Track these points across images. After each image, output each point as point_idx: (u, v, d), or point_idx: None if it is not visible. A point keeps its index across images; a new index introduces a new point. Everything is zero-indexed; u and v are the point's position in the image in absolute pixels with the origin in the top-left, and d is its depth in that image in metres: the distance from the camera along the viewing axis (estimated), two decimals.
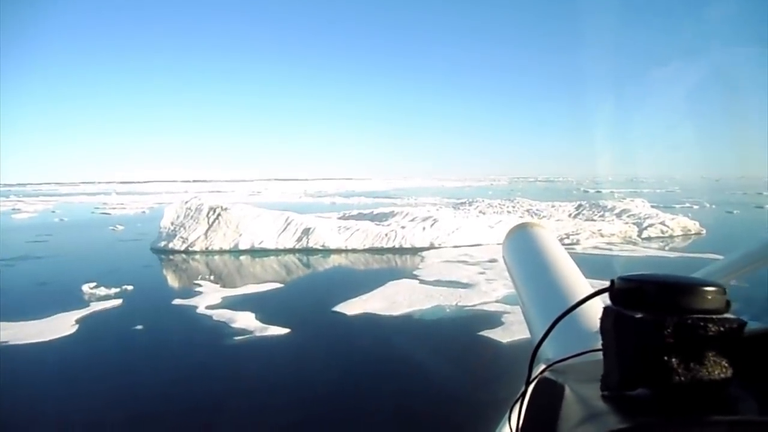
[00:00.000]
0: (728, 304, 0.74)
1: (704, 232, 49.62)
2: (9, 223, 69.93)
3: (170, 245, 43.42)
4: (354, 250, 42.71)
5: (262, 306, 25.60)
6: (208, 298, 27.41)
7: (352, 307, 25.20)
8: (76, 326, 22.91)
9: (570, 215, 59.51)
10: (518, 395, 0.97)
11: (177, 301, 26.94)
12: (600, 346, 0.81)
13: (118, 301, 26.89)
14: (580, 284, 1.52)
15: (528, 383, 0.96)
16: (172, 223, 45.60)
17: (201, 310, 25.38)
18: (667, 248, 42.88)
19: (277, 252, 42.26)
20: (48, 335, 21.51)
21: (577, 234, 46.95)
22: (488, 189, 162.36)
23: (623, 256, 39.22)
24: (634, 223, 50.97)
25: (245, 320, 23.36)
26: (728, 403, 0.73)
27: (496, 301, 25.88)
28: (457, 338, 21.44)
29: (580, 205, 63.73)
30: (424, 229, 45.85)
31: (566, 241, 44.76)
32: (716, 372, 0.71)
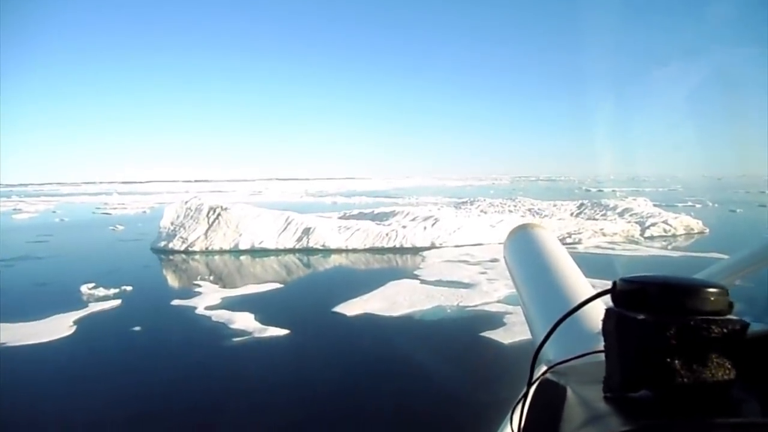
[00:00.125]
0: (731, 305, 0.74)
1: (707, 231, 49.32)
2: (9, 224, 69.83)
3: (170, 245, 43.24)
4: (354, 250, 42.49)
5: (262, 306, 25.38)
6: (207, 299, 27.21)
7: (352, 308, 24.97)
8: (74, 327, 22.71)
9: (572, 214, 59.26)
10: (520, 397, 0.96)
11: (176, 302, 26.73)
12: (602, 348, 0.81)
13: (116, 302, 26.69)
14: (581, 285, 1.52)
15: (530, 385, 0.95)
16: (172, 223, 45.43)
17: (200, 310, 25.17)
18: (670, 247, 42.58)
19: (277, 252, 42.05)
20: (45, 336, 21.31)
21: (579, 233, 46.69)
22: (490, 188, 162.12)
23: (626, 255, 38.93)
24: (636, 222, 50.70)
25: (244, 321, 23.14)
26: (731, 405, 0.72)
27: (498, 302, 25.63)
28: (458, 339, 21.19)
29: (582, 204, 63.47)
30: (425, 228, 45.61)
31: (568, 240, 44.53)
32: (719, 374, 0.71)
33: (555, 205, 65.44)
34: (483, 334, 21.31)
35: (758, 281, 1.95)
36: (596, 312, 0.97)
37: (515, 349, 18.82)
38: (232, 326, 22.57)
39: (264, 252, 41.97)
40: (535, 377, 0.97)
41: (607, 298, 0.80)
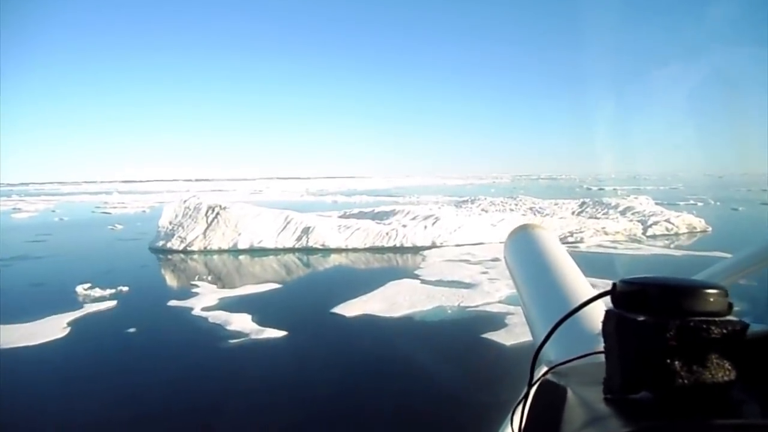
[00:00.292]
0: (730, 306, 0.74)
1: (710, 229, 48.97)
2: (8, 223, 69.57)
3: (168, 245, 42.90)
4: (354, 250, 42.12)
5: (259, 307, 24.99)
6: (204, 299, 26.81)
7: (351, 309, 24.58)
8: (68, 329, 22.28)
9: (573, 213, 58.88)
10: (520, 398, 0.97)
11: (172, 303, 26.32)
12: (602, 349, 0.81)
13: (112, 303, 26.27)
14: (581, 287, 1.51)
15: (530, 386, 0.96)
16: (171, 223, 45.10)
17: (196, 311, 24.75)
18: (672, 246, 42.16)
19: (276, 251, 41.69)
20: (39, 338, 20.89)
21: (581, 232, 46.29)
22: (490, 187, 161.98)
23: (628, 254, 38.54)
24: (638, 221, 50.31)
25: (241, 322, 22.74)
26: (731, 406, 0.73)
27: (499, 302, 25.24)
28: (459, 340, 20.80)
29: (583, 203, 63.07)
30: (425, 227, 45.24)
31: (570, 239, 44.17)
32: (719, 375, 0.71)
33: (556, 204, 65.04)
34: (484, 335, 20.91)
35: (759, 281, 1.94)
36: (596, 313, 0.97)
37: (517, 351, 18.44)
38: (229, 327, 22.17)
39: (263, 251, 41.61)
40: (535, 378, 0.97)
41: (608, 299, 0.80)
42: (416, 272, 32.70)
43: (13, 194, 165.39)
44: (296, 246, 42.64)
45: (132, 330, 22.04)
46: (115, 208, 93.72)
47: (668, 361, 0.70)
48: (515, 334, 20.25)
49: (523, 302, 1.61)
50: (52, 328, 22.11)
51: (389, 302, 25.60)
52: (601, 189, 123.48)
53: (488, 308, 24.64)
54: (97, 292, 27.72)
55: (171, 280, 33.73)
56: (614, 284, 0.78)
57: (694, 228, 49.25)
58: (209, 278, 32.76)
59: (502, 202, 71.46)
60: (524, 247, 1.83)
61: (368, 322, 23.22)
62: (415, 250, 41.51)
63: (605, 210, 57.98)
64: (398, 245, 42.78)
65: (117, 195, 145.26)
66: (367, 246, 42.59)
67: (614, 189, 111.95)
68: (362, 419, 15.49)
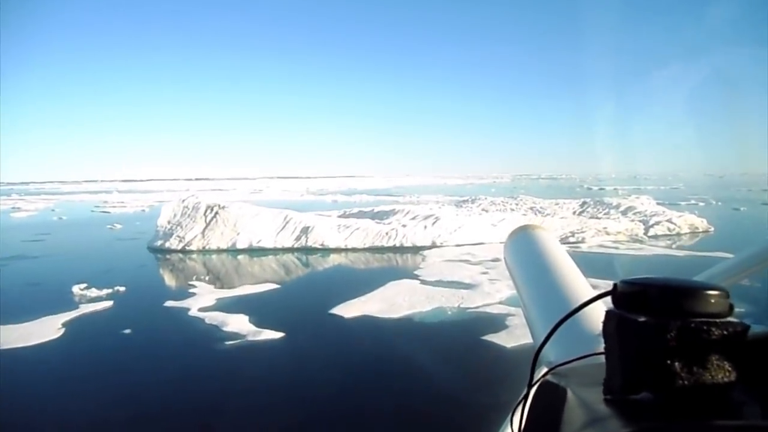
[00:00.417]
0: (731, 307, 0.74)
1: (712, 229, 48.69)
2: (7, 222, 69.32)
3: (167, 244, 42.63)
4: (354, 249, 41.83)
5: (257, 308, 24.70)
6: (201, 300, 26.52)
7: (350, 309, 24.28)
8: (62, 330, 21.99)
9: (574, 213, 58.55)
10: (520, 398, 0.97)
11: (169, 303, 26.01)
12: (602, 350, 0.81)
13: (108, 303, 25.98)
14: (582, 287, 1.51)
15: (530, 386, 0.96)
16: (169, 222, 44.83)
17: (193, 312, 24.45)
18: (674, 247, 41.87)
19: (275, 251, 41.41)
20: (33, 339, 20.61)
21: (582, 232, 45.97)
22: (491, 186, 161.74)
23: (630, 255, 38.24)
24: (640, 221, 50.00)
25: (238, 323, 22.44)
26: (731, 407, 0.73)
27: (500, 303, 24.94)
28: (458, 342, 20.49)
29: (584, 203, 62.74)
30: (425, 227, 44.94)
31: (571, 239, 43.89)
32: (719, 376, 0.71)
33: (557, 204, 64.72)
34: (484, 337, 20.60)
35: (760, 283, 1.94)
36: (597, 314, 0.99)
37: (517, 353, 18.15)
38: (226, 329, 21.87)
39: (262, 251, 41.33)
40: (535, 379, 0.97)
41: (608, 299, 0.80)
42: (416, 272, 32.42)
43: (13, 193, 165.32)
44: (295, 246, 42.36)
45: (127, 331, 21.75)
46: (114, 207, 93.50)
47: (669, 362, 0.70)
48: (516, 336, 19.96)
49: (523, 303, 1.61)
50: (47, 328, 21.83)
51: (388, 303, 25.31)
52: (601, 189, 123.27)
53: (488, 309, 24.34)
54: (94, 292, 27.45)
55: (168, 280, 33.44)
56: (615, 285, 0.78)
57: (696, 228, 48.96)
58: (207, 278, 32.49)
59: (502, 201, 71.12)
60: (524, 247, 1.83)
61: (367, 323, 22.93)
62: (415, 250, 41.22)
63: (606, 210, 57.67)
64: (398, 245, 42.49)
65: (117, 194, 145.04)
66: (367, 246, 42.29)
67: (615, 189, 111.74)
68: (361, 422, 15.20)
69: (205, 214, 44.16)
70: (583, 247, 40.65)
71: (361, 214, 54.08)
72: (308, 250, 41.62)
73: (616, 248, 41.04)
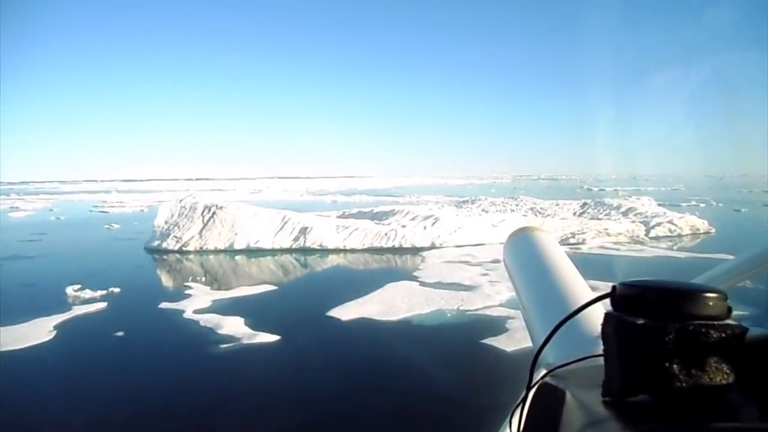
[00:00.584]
0: (729, 309, 0.75)
1: (713, 231, 48.36)
2: (5, 222, 68.85)
3: (164, 245, 42.24)
4: (352, 250, 41.44)
5: (253, 310, 24.28)
6: (197, 302, 26.10)
7: (347, 312, 23.87)
8: (54, 332, 21.53)
9: (575, 214, 58.19)
10: (519, 400, 0.97)
11: (164, 305, 25.56)
12: (601, 352, 0.82)
13: (102, 305, 25.54)
14: (581, 289, 1.52)
15: (529, 388, 0.96)
16: (166, 222, 44.44)
17: (188, 314, 24.02)
18: (676, 248, 41.52)
19: (273, 252, 41.02)
20: (22, 342, 20.14)
21: (583, 233, 45.58)
22: (491, 187, 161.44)
23: (631, 256, 37.87)
24: (641, 222, 49.64)
25: (233, 326, 22.02)
26: (730, 409, 0.73)
27: (500, 305, 24.54)
28: (458, 346, 20.08)
29: (585, 204, 62.38)
30: (425, 228, 44.56)
31: (572, 240, 43.52)
32: (718, 378, 0.72)
33: (557, 205, 64.36)
34: (484, 340, 20.19)
35: (759, 284, 1.95)
36: (596, 316, 1.01)
37: (518, 357, 17.74)
38: (220, 331, 21.44)
39: (259, 252, 40.94)
40: (534, 381, 0.97)
41: (607, 302, 0.80)
42: (415, 274, 32.03)
43: (12, 193, 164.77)
44: (293, 246, 41.98)
45: (120, 333, 21.31)
46: (113, 207, 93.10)
47: (667, 364, 0.70)
48: (516, 339, 19.56)
49: (523, 305, 1.60)
50: (38, 331, 21.40)
51: (387, 305, 24.92)
52: (601, 190, 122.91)
53: (488, 312, 23.96)
54: (88, 294, 27.03)
55: (164, 281, 33.05)
56: (614, 287, 0.78)
57: (698, 229, 48.62)
58: (204, 279, 32.09)
59: (502, 202, 70.77)
60: (524, 249, 1.82)
61: (365, 325, 22.53)
62: (415, 251, 40.83)
63: (607, 211, 57.32)
64: (397, 246, 42.11)
65: (116, 194, 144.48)
66: (366, 247, 41.91)
67: (615, 190, 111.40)
68: (358, 426, 14.87)
69: (202, 214, 43.78)
70: (584, 249, 40.32)
71: (360, 215, 53.70)
72: (306, 251, 41.23)
73: (617, 250, 40.70)
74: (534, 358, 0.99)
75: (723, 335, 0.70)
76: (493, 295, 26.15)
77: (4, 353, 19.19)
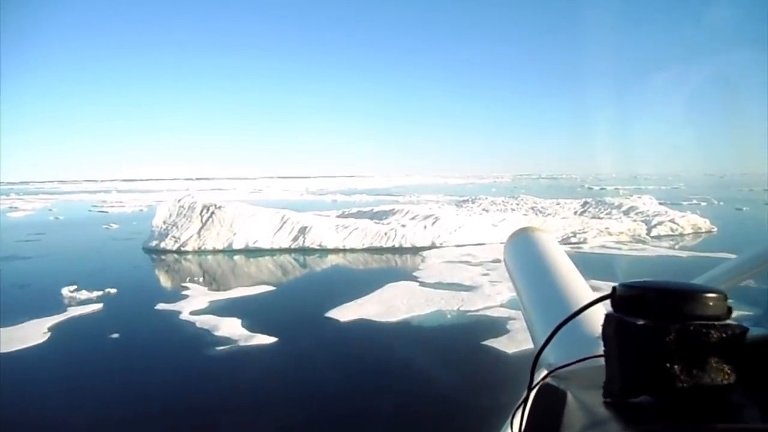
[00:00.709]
0: (730, 310, 0.75)
1: (715, 230, 48.08)
2: (3, 222, 68.58)
3: (162, 245, 41.92)
4: (352, 250, 41.11)
5: (251, 311, 23.94)
6: (194, 303, 25.76)
7: (346, 313, 23.54)
8: (48, 334, 21.18)
9: (576, 213, 57.86)
10: (520, 401, 0.98)
11: (161, 306, 25.20)
12: (602, 353, 0.82)
13: (98, 306, 25.19)
14: (582, 290, 1.52)
15: (530, 389, 0.96)
16: (165, 222, 44.13)
17: (184, 315, 23.67)
18: (677, 247, 41.21)
19: (272, 252, 40.70)
20: (15, 345, 19.74)
21: (584, 232, 45.25)
22: (491, 186, 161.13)
23: (632, 256, 37.56)
24: (642, 221, 49.33)
25: (230, 327, 21.67)
26: (730, 410, 0.74)
27: (501, 306, 24.20)
28: (458, 347, 19.74)
29: (585, 203, 62.05)
30: (425, 227, 44.23)
31: (573, 239, 43.21)
32: (718, 379, 0.72)
33: (558, 204, 64.04)
34: (485, 342, 19.84)
35: (760, 284, 1.92)
36: (596, 317, 1.00)
37: (519, 359, 17.42)
38: (217, 333, 21.10)
39: (258, 252, 40.63)
40: (535, 382, 0.97)
41: (607, 302, 0.80)
42: (415, 274, 31.70)
43: (12, 193, 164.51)
44: (292, 246, 41.67)
45: (114, 335, 20.97)
46: (112, 207, 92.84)
47: (668, 365, 0.70)
48: (517, 341, 19.23)
49: (523, 306, 1.60)
50: (32, 333, 21.03)
51: (386, 306, 24.60)
52: (602, 189, 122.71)
53: (489, 313, 23.63)
54: (84, 294, 26.71)
55: (162, 282, 32.70)
56: (614, 288, 0.79)
57: (699, 228, 48.31)
58: (201, 280, 31.76)
59: (503, 201, 70.46)
60: (524, 250, 1.82)
61: (364, 326, 22.20)
62: (414, 250, 40.50)
63: (608, 210, 57.01)
64: (397, 246, 41.79)
65: (116, 194, 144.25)
66: (365, 246, 41.59)
67: (616, 188, 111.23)
68: (356, 428, 14.58)
69: (201, 214, 43.47)
70: (585, 248, 40.00)
71: (359, 214, 53.39)
72: (305, 251, 40.91)
73: (619, 249, 40.39)
74: (535, 359, 0.98)
75: (723, 335, 0.70)
76: (494, 295, 25.82)
77: None
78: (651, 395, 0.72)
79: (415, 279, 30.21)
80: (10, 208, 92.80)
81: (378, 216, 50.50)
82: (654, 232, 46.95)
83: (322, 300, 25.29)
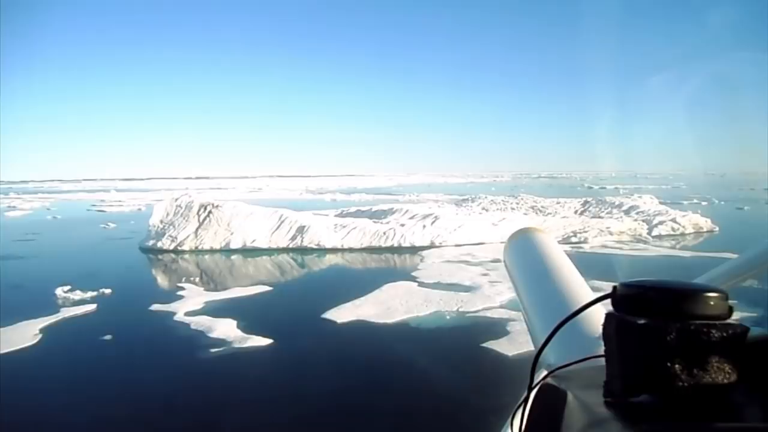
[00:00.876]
0: (731, 309, 0.75)
1: (717, 229, 47.70)
2: (1, 221, 68.07)
3: (158, 244, 41.50)
4: (350, 250, 40.69)
5: (246, 312, 23.56)
6: (189, 303, 25.37)
7: (343, 314, 23.14)
8: (39, 336, 20.84)
9: (576, 212, 57.49)
10: (520, 401, 0.98)
11: (155, 307, 24.82)
12: (602, 353, 0.82)
13: (91, 307, 24.84)
14: (582, 290, 1.52)
15: (530, 389, 0.96)
16: (162, 221, 43.71)
17: (179, 317, 23.29)
18: (679, 247, 40.86)
19: (269, 251, 40.30)
20: (6, 347, 19.39)
21: (585, 232, 44.83)
22: (491, 185, 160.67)
23: (634, 255, 37.17)
24: (643, 221, 48.94)
25: (225, 329, 21.27)
26: (731, 409, 0.74)
27: (501, 307, 23.81)
28: (457, 350, 19.32)
29: (586, 202, 61.67)
30: (424, 227, 43.81)
31: (573, 239, 42.81)
32: (719, 378, 0.72)
33: (558, 203, 63.68)
34: (485, 344, 19.47)
35: (761, 283, 1.91)
36: (597, 317, 1.02)
37: (519, 362, 17.02)
38: (211, 335, 20.71)
39: (256, 251, 40.23)
40: (535, 382, 0.97)
41: (608, 302, 0.80)
42: (414, 274, 31.29)
43: (11, 192, 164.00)
44: (290, 246, 41.25)
45: (107, 337, 20.60)
46: (111, 206, 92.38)
47: (669, 364, 0.71)
48: (518, 343, 18.85)
49: (523, 306, 1.60)
50: (22, 335, 20.65)
51: (384, 307, 24.20)
52: (602, 188, 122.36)
53: (489, 314, 23.25)
54: (78, 295, 26.32)
55: (157, 282, 32.26)
56: (614, 287, 0.79)
57: (701, 228, 47.93)
58: (198, 280, 31.36)
59: (503, 200, 70.09)
60: (524, 250, 1.82)
61: (361, 328, 21.81)
62: (413, 250, 40.09)
63: (609, 209, 56.62)
64: (396, 245, 41.38)
65: (114, 193, 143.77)
66: (364, 246, 41.17)
67: (616, 188, 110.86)
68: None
69: (198, 213, 43.04)
70: (586, 248, 39.61)
71: (358, 214, 52.99)
72: (303, 251, 40.49)
73: (620, 248, 40.03)
74: (535, 359, 0.97)
75: (724, 335, 0.71)
76: (494, 296, 25.43)
77: None
78: (652, 394, 0.72)
79: (413, 279, 29.82)
80: (9, 207, 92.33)
81: (377, 215, 50.09)
82: (655, 232, 46.55)
83: (319, 301, 24.91)
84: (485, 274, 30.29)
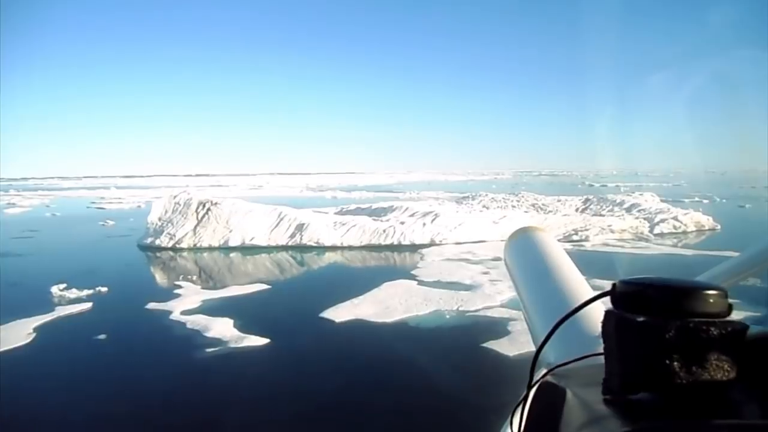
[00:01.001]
0: (730, 307, 0.75)
1: (718, 227, 47.43)
2: (0, 218, 67.86)
3: (157, 242, 41.25)
4: (350, 248, 40.42)
5: (243, 311, 23.30)
6: (186, 302, 25.10)
7: (341, 313, 22.87)
8: (33, 335, 20.57)
9: (577, 210, 57.23)
10: (520, 399, 0.98)
11: (152, 305, 24.55)
12: (602, 350, 0.82)
13: (87, 305, 24.57)
14: (582, 288, 1.53)
15: (530, 387, 0.97)
16: (160, 219, 43.46)
17: (175, 315, 23.01)
18: (681, 245, 40.57)
19: (268, 249, 40.03)
20: None
21: (586, 230, 44.55)
22: (492, 183, 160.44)
23: (635, 254, 36.89)
24: (644, 218, 48.67)
25: (221, 328, 20.99)
26: (730, 406, 0.74)
27: (501, 306, 23.53)
28: (457, 350, 19.04)
29: (587, 200, 61.39)
30: (424, 224, 43.52)
31: (575, 237, 42.55)
32: (718, 375, 0.72)
33: (559, 201, 63.41)
34: (485, 344, 19.19)
35: (761, 282, 1.92)
36: (596, 315, 1.00)
37: (520, 362, 16.74)
38: (207, 334, 20.43)
39: (254, 249, 39.98)
40: (535, 379, 0.98)
41: (607, 300, 0.80)
42: (413, 272, 31.02)
43: (11, 189, 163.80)
44: (289, 243, 40.98)
45: (102, 336, 20.35)
46: (110, 203, 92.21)
47: (668, 361, 0.71)
48: (518, 342, 18.58)
49: (523, 304, 1.61)
50: (16, 334, 20.37)
51: (383, 306, 23.93)
52: (603, 186, 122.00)
53: (489, 313, 22.98)
54: (74, 293, 26.07)
55: (155, 280, 31.98)
56: (614, 285, 0.79)
57: (702, 226, 47.65)
58: (195, 278, 31.10)
59: (503, 198, 69.85)
60: (524, 249, 1.83)
61: (359, 327, 21.55)
62: (413, 248, 39.80)
63: (610, 207, 56.35)
64: (395, 243, 41.10)
65: (114, 190, 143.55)
66: (363, 244, 40.90)
67: (617, 186, 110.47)
68: None
69: (196, 210, 42.78)
70: (587, 246, 39.32)
71: (358, 211, 52.74)
72: (302, 248, 40.22)
73: (622, 247, 39.74)
74: (534, 357, 0.99)
75: (724, 332, 0.71)
76: (494, 294, 25.16)
77: None
78: (651, 392, 0.73)
79: (413, 277, 29.55)
80: (8, 204, 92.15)
81: (377, 213, 49.83)
82: (657, 230, 46.29)
83: (317, 299, 24.64)
84: (485, 273, 30.01)
